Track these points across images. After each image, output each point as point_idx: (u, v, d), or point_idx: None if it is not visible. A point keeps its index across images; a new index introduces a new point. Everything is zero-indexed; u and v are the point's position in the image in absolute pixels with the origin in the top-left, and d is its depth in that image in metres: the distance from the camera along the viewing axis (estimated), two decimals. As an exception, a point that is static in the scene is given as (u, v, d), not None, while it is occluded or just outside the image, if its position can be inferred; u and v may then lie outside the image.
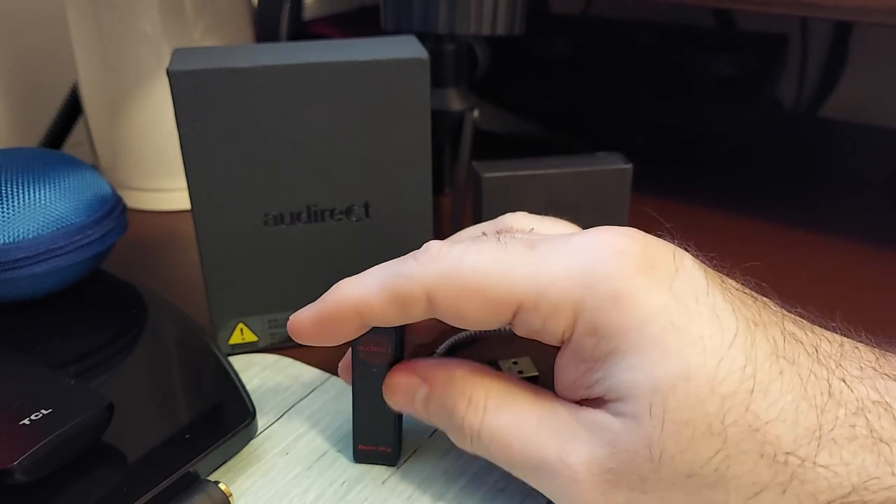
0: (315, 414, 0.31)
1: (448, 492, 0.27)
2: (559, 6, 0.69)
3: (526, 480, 0.23)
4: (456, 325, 0.24)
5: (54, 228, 0.34)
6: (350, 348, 0.27)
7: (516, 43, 0.49)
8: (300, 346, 0.36)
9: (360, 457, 0.28)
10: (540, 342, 0.23)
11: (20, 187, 0.34)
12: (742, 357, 0.20)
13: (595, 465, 0.21)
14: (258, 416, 0.29)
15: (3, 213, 0.34)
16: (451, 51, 0.46)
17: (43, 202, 0.34)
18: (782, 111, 0.64)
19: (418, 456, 0.29)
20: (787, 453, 0.19)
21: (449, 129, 0.47)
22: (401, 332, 0.26)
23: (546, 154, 0.38)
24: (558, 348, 0.23)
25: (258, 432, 0.30)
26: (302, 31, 0.57)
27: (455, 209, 0.44)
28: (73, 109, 0.53)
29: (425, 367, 0.25)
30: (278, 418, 0.31)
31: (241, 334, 0.34)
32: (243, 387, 0.30)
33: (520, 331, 0.23)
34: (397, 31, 0.43)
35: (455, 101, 0.48)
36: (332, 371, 0.33)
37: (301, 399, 0.32)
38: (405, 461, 0.28)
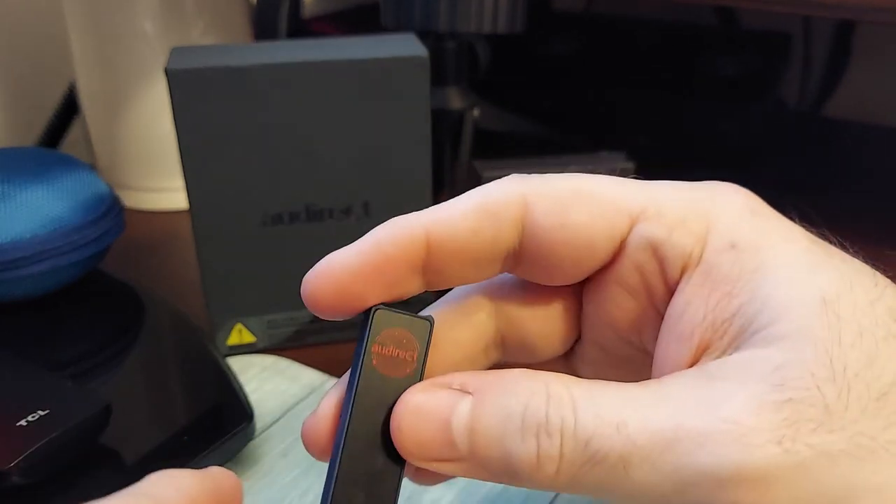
0: (314, 415, 0.31)
1: (448, 493, 0.26)
2: (561, 4, 0.69)
3: (652, 482, 0.16)
4: (552, 246, 0.19)
5: (51, 229, 0.34)
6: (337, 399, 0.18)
7: (517, 41, 0.49)
8: (299, 347, 0.36)
9: None
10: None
11: (17, 187, 0.34)
12: (877, 275, 0.18)
13: (764, 404, 0.15)
14: (256, 417, 0.29)
15: (-1, 212, 0.33)
16: (451, 49, 0.46)
17: (40, 202, 0.34)
18: (785, 110, 0.63)
19: (418, 458, 0.28)
20: None
21: (449, 128, 0.47)
22: (428, 343, 0.18)
23: (547, 153, 0.38)
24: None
25: (256, 434, 0.29)
26: (301, 29, 0.56)
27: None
28: (70, 108, 0.53)
29: (461, 377, 0.18)
30: (277, 420, 0.30)
31: (240, 335, 0.34)
32: (241, 388, 0.30)
33: (633, 250, 0.19)
34: (397, 29, 0.43)
35: (455, 100, 0.47)
36: (331, 372, 0.33)
37: (300, 401, 0.31)
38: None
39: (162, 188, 0.50)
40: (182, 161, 0.31)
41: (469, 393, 0.17)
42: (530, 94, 0.61)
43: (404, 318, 0.18)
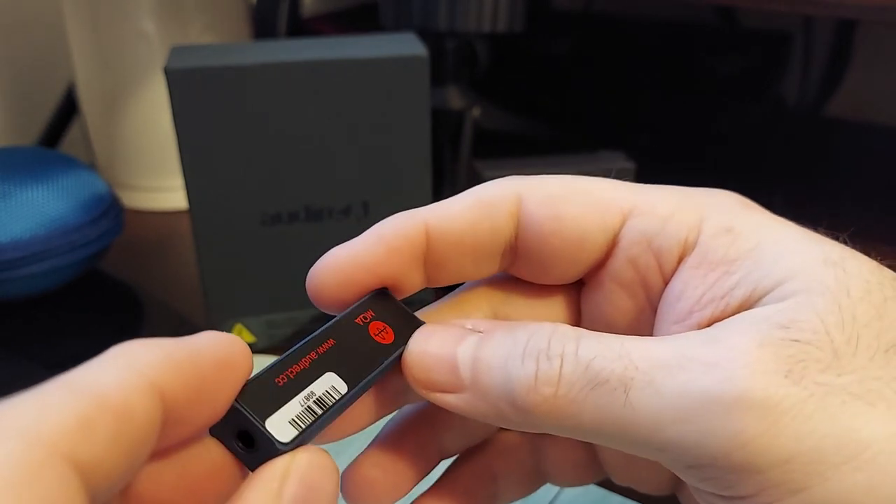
0: (313, 416, 0.30)
1: (448, 495, 0.26)
2: (561, 3, 0.69)
3: (652, 408, 0.15)
4: (545, 238, 0.19)
5: (50, 228, 0.34)
6: None
7: (517, 41, 0.49)
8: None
9: None
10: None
11: (16, 187, 0.34)
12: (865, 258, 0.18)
13: (770, 339, 0.15)
14: (256, 418, 0.29)
15: (-2, 212, 0.33)
16: (451, 48, 0.46)
17: (39, 202, 0.34)
18: (786, 109, 0.63)
19: (418, 458, 0.28)
20: None
21: (449, 127, 0.47)
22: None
23: (547, 153, 0.38)
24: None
25: (256, 434, 0.29)
26: (300, 28, 0.56)
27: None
28: (69, 108, 0.53)
29: (475, 321, 0.19)
30: (276, 420, 0.30)
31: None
32: (241, 388, 0.30)
33: (627, 244, 0.19)
34: (396, 29, 0.42)
35: (455, 100, 0.47)
36: (331, 372, 0.33)
37: (299, 400, 0.31)
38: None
39: (161, 188, 0.50)
40: (181, 160, 0.30)
41: (480, 332, 0.18)
42: (531, 94, 0.61)
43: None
